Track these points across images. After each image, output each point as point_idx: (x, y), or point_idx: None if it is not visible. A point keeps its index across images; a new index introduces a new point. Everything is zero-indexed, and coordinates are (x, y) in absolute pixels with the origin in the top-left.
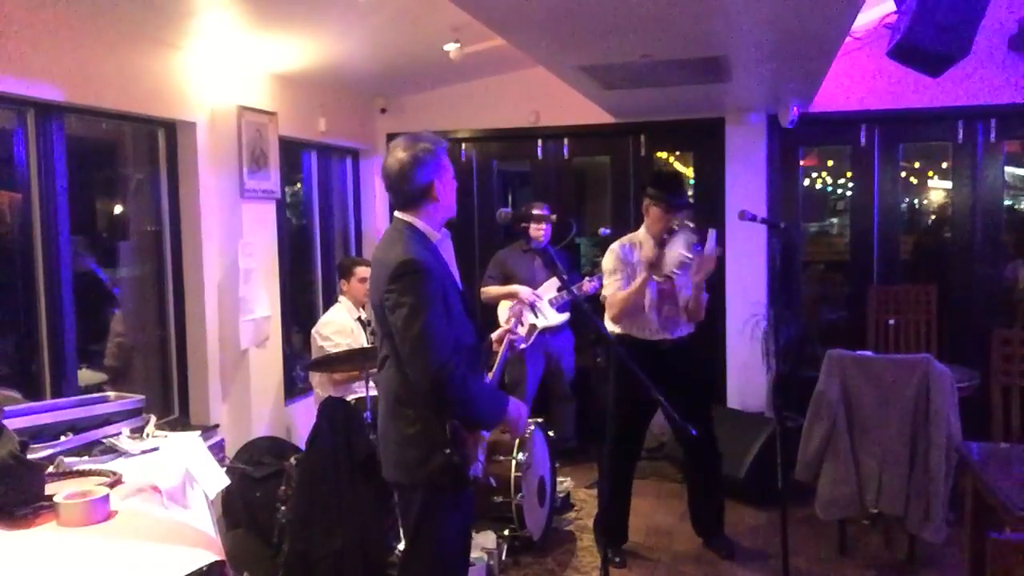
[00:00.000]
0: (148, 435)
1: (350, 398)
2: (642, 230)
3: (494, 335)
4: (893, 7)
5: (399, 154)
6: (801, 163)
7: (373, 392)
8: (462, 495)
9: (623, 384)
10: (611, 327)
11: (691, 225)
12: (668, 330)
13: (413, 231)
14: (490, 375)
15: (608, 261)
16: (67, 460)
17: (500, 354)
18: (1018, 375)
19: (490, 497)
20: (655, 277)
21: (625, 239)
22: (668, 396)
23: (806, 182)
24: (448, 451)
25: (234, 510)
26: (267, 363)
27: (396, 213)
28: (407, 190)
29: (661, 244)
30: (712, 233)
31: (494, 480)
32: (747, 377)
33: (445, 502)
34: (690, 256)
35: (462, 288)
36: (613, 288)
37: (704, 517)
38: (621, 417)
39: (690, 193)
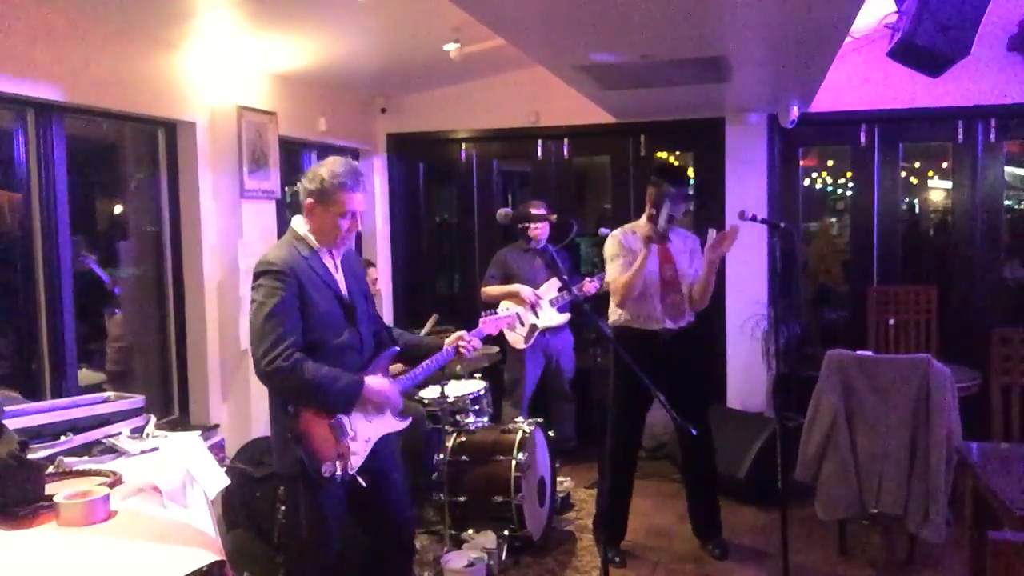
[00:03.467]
0: (148, 435)
1: None
2: (643, 219)
3: (448, 339)
4: (893, 7)
5: (315, 165)
6: (801, 163)
7: None
8: (324, 490)
9: (622, 376)
10: (614, 316)
11: (672, 190)
12: (671, 319)
13: (296, 237)
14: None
15: (610, 247)
16: (67, 460)
17: (437, 357)
18: (1018, 375)
19: (490, 497)
20: (656, 243)
21: (627, 227)
22: (666, 388)
23: (806, 182)
24: (295, 444)
25: (234, 510)
26: None
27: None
28: (299, 196)
29: (650, 219)
30: (712, 232)
31: (479, 484)
32: (747, 377)
33: (312, 492)
34: (679, 209)
35: (344, 293)
36: (615, 273)
37: (702, 518)
38: (620, 408)
39: (690, 193)
